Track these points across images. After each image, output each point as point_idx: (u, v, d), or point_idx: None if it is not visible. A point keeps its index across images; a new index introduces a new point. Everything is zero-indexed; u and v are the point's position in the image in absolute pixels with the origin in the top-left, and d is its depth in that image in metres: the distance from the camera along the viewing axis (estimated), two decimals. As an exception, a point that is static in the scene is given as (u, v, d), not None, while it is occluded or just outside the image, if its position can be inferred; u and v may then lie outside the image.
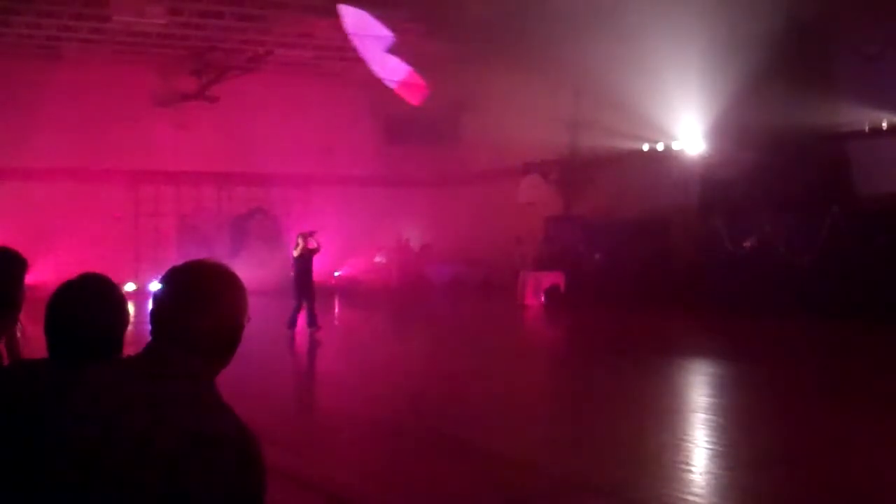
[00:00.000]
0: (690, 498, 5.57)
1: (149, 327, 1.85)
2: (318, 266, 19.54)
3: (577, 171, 21.33)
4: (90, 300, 2.24)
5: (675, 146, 18.94)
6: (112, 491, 1.63)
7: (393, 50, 21.69)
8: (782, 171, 15.75)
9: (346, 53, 22.03)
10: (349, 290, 22.81)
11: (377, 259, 24.85)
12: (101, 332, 2.20)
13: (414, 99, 16.59)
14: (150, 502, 1.62)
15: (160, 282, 1.88)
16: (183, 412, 1.69)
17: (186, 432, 1.64)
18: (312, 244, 14.08)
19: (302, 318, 13.97)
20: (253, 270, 14.83)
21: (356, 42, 16.75)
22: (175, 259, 2.12)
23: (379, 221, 23.71)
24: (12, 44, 20.50)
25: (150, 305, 1.88)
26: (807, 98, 14.98)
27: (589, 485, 6.06)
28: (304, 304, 13.99)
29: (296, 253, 14.07)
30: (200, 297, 1.83)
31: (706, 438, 7.24)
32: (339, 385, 10.43)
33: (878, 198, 15.13)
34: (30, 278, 2.81)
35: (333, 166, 23.73)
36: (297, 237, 14.30)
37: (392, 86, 17.08)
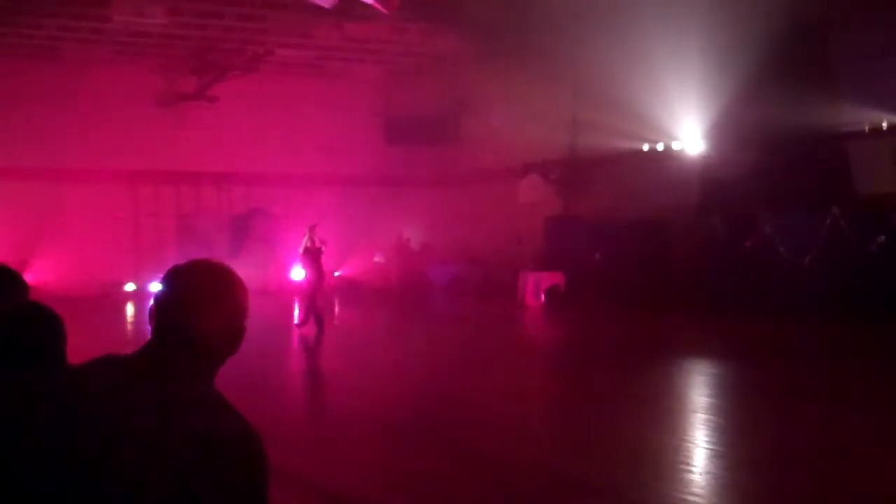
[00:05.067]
0: (690, 498, 5.57)
1: (149, 327, 1.85)
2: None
3: (577, 171, 21.33)
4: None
5: (675, 146, 18.94)
6: (120, 493, 1.62)
7: (388, 49, 21.72)
8: (782, 172, 15.74)
9: (346, 53, 22.06)
10: (349, 290, 22.82)
11: (377, 259, 24.86)
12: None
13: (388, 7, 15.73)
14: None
15: (161, 282, 1.87)
16: (190, 413, 1.68)
17: (195, 433, 1.64)
18: (316, 242, 14.25)
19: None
20: (253, 270, 14.85)
21: None
22: (175, 259, 2.12)
23: (379, 221, 23.72)
24: (12, 44, 20.50)
25: (150, 304, 1.88)
26: (807, 98, 14.97)
27: (589, 485, 6.06)
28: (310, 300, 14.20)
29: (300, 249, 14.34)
30: (202, 297, 1.82)
31: (706, 439, 7.24)
32: (340, 385, 10.43)
33: (878, 198, 15.12)
34: (30, 278, 2.83)
35: (333, 166, 23.73)
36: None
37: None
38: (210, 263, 1.90)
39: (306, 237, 14.37)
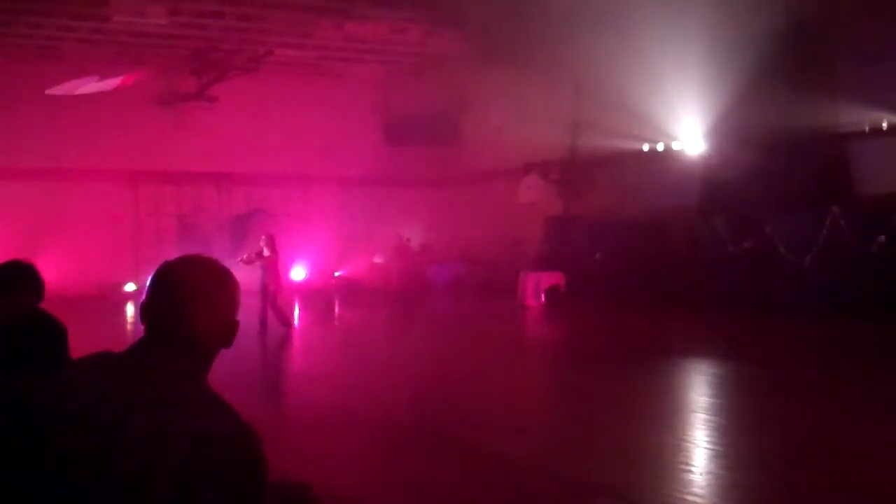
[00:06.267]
0: (690, 498, 5.56)
1: (141, 325, 1.83)
2: (318, 265, 19.39)
3: (577, 171, 21.33)
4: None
5: (675, 146, 18.94)
6: (119, 494, 1.62)
7: (388, 49, 21.72)
8: (782, 172, 15.74)
9: (346, 53, 22.05)
10: (349, 291, 22.82)
11: (377, 259, 24.86)
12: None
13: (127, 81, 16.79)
14: None
15: (151, 279, 1.84)
16: (189, 414, 1.67)
17: (192, 434, 1.63)
18: (259, 248, 14.12)
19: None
20: (253, 270, 14.80)
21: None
22: (175, 259, 2.12)
23: (379, 221, 23.72)
24: (12, 44, 20.50)
25: (140, 302, 1.85)
26: (807, 98, 14.97)
27: (589, 485, 6.05)
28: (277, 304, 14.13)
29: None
30: (193, 294, 1.80)
31: (706, 438, 7.24)
32: (340, 385, 10.42)
33: (878, 198, 15.13)
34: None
35: (333, 166, 23.72)
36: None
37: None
38: (199, 259, 1.88)
39: (252, 249, 14.34)
